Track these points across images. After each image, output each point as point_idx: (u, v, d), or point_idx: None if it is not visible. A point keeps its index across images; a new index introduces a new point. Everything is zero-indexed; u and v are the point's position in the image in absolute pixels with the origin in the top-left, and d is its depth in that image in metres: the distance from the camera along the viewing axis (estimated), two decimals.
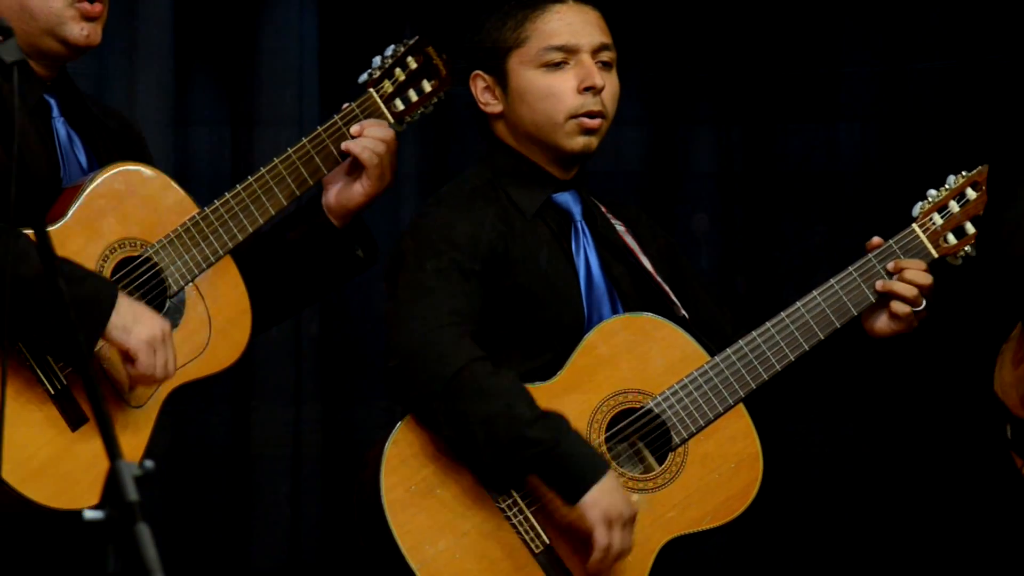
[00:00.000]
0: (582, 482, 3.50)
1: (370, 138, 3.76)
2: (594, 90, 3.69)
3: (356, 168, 3.76)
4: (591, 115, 3.71)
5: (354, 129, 3.77)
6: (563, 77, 3.70)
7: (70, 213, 3.60)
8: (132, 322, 3.50)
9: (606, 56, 3.72)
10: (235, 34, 5.10)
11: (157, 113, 4.71)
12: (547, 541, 3.55)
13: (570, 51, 3.70)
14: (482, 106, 3.75)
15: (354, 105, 3.80)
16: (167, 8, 4.93)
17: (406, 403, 3.60)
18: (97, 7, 3.68)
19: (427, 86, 3.83)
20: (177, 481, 4.90)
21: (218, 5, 5.07)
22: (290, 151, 3.76)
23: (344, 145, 3.77)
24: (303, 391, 5.10)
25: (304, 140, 3.76)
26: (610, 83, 3.73)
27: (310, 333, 5.09)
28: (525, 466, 3.51)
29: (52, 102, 3.74)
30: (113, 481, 2.44)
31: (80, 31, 3.65)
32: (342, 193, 3.78)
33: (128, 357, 3.52)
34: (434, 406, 3.52)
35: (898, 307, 3.73)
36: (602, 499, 3.50)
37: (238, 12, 5.09)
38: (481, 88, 3.74)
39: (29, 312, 3.33)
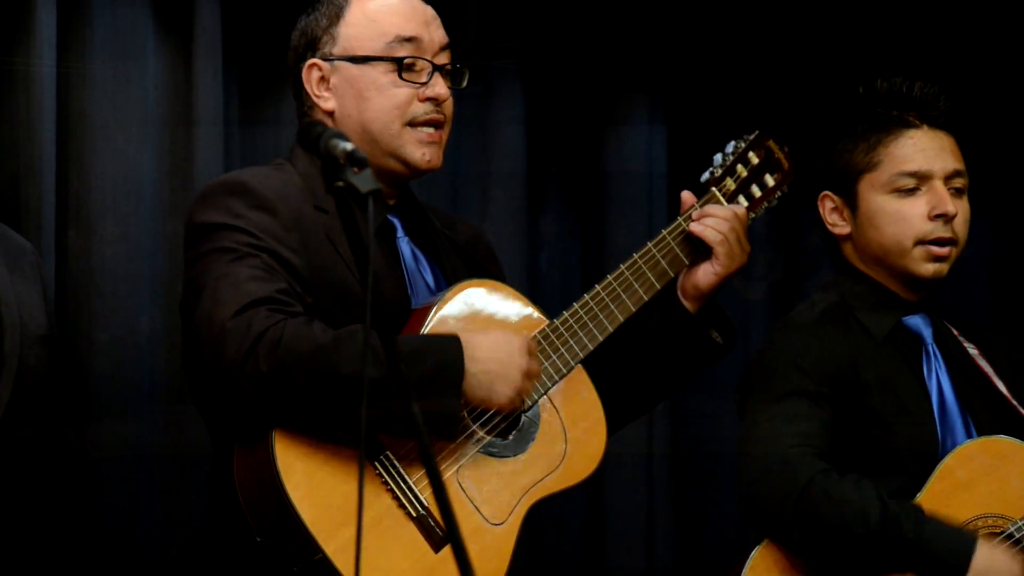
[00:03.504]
0: (956, 556, 3.48)
1: (713, 217, 3.74)
2: (945, 217, 3.68)
3: (705, 250, 3.74)
4: (940, 242, 3.70)
5: (695, 214, 3.76)
6: (914, 203, 3.70)
7: (424, 331, 3.61)
8: (487, 390, 3.51)
9: (959, 183, 3.71)
10: (586, 158, 5.13)
11: (511, 239, 4.82)
12: None
13: (923, 177, 3.70)
14: (830, 227, 3.75)
15: (696, 204, 3.80)
16: (520, 136, 5.00)
17: (759, 527, 3.59)
18: (438, 133, 3.73)
19: (770, 180, 3.81)
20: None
21: (567, 130, 5.11)
22: (635, 256, 3.74)
23: (689, 227, 3.75)
24: None
25: (649, 244, 3.76)
26: (962, 209, 3.71)
27: None
28: (888, 563, 3.50)
29: (396, 222, 3.79)
30: None
31: (421, 155, 3.69)
32: (694, 276, 3.75)
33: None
34: (788, 524, 3.51)
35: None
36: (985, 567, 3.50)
37: (586, 135, 5.15)
38: (829, 209, 3.75)
39: (386, 410, 3.32)
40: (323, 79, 3.74)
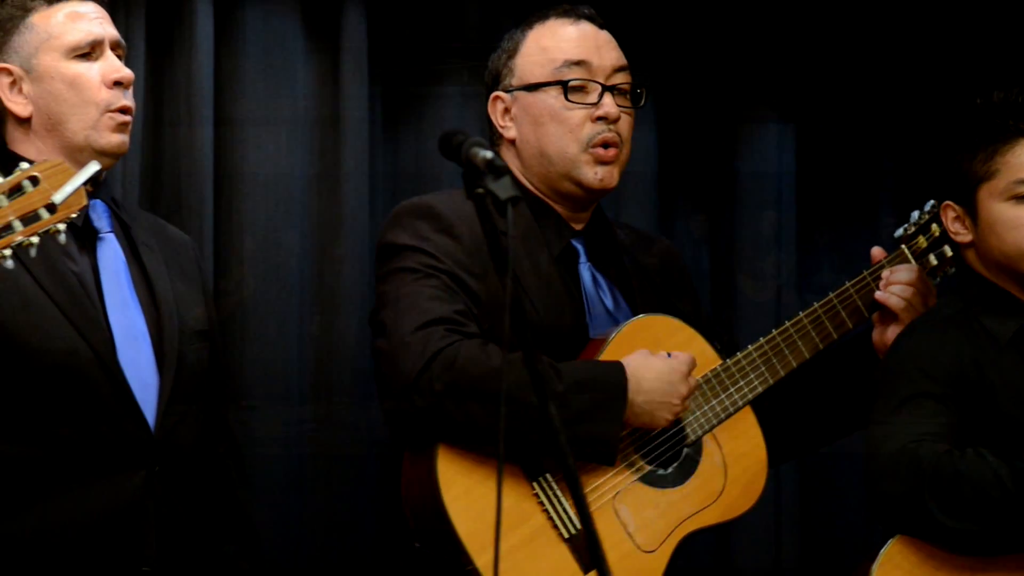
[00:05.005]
0: None
1: (897, 284, 3.82)
2: None
3: (891, 313, 3.83)
4: None
5: (884, 274, 3.83)
6: None
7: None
8: (650, 416, 3.61)
9: None
10: (716, 164, 5.14)
11: None
12: None
13: None
14: (953, 236, 3.77)
15: (884, 260, 3.87)
16: (651, 139, 5.01)
17: (893, 521, 3.60)
18: (611, 152, 3.79)
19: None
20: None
21: (697, 132, 5.12)
22: (816, 306, 3.83)
23: (876, 295, 3.82)
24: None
25: (831, 295, 3.84)
26: None
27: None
28: None
29: (580, 248, 3.84)
30: None
31: (594, 175, 3.77)
32: (885, 335, 3.82)
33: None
34: (925, 510, 3.51)
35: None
36: None
37: (718, 146, 5.15)
38: (952, 218, 3.76)
39: (534, 441, 3.40)
40: (506, 110, 3.84)
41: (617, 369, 3.61)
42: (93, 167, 3.23)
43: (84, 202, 3.17)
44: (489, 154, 2.81)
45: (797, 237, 5.07)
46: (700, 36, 5.06)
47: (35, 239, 3.13)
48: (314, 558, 4.64)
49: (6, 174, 3.36)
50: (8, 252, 3.12)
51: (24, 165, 3.15)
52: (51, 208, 3.14)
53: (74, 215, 3.16)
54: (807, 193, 5.09)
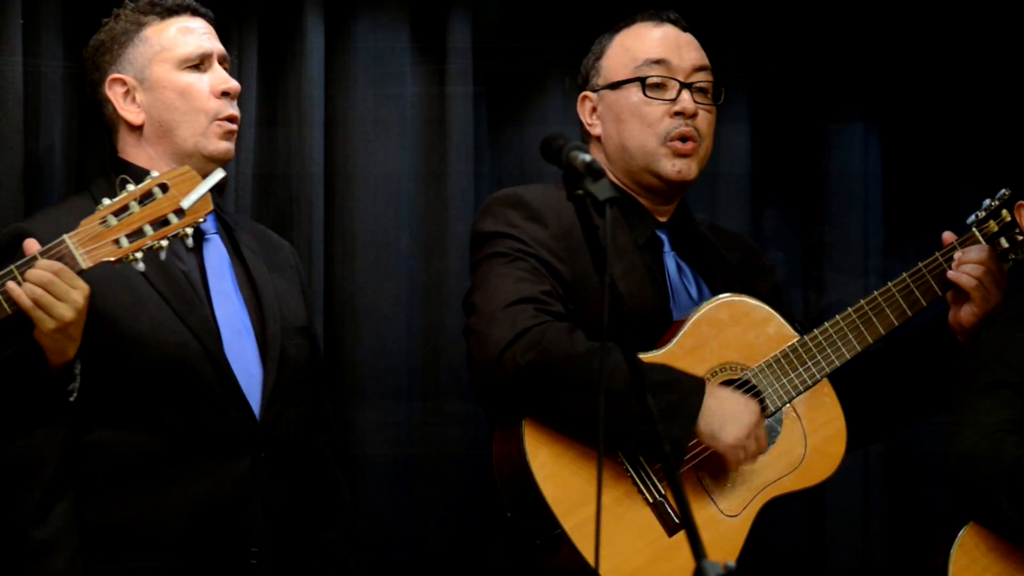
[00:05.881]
0: None
1: (969, 263, 3.87)
2: None
3: (962, 290, 3.89)
4: None
5: (956, 255, 3.89)
6: None
7: (675, 339, 3.78)
8: (719, 427, 3.67)
9: None
10: (806, 162, 5.14)
11: None
12: None
13: None
14: None
15: (956, 242, 3.93)
16: (744, 139, 5.03)
17: (968, 510, 3.67)
18: (689, 145, 3.90)
19: None
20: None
21: (789, 139, 5.12)
22: (890, 285, 3.91)
23: (948, 274, 3.88)
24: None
25: (904, 275, 3.91)
26: None
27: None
28: None
29: (664, 238, 3.96)
30: None
31: (672, 167, 3.89)
32: (959, 314, 3.89)
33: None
34: (999, 504, 3.59)
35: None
36: None
37: (807, 145, 5.14)
38: None
39: (621, 424, 3.47)
40: (592, 109, 3.96)
41: (697, 381, 3.70)
42: (218, 174, 3.36)
43: (210, 207, 3.32)
44: (588, 157, 2.88)
45: (884, 234, 5.07)
46: (791, 40, 5.07)
47: (164, 242, 3.29)
48: (423, 556, 4.68)
49: (112, 182, 3.54)
50: (140, 255, 3.28)
51: (154, 173, 3.30)
52: (179, 213, 3.29)
53: (201, 220, 3.31)
54: (892, 191, 5.08)
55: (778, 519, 3.93)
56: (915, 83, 5.07)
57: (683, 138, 3.89)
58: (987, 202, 3.93)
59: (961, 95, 5.03)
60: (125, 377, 3.66)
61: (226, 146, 3.83)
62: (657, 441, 2.81)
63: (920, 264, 3.91)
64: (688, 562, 3.29)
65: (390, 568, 4.57)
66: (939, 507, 4.83)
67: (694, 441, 3.67)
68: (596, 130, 3.96)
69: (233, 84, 3.84)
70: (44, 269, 3.28)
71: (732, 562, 2.55)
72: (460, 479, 4.65)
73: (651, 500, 3.70)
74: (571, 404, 3.63)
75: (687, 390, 3.68)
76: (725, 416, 3.69)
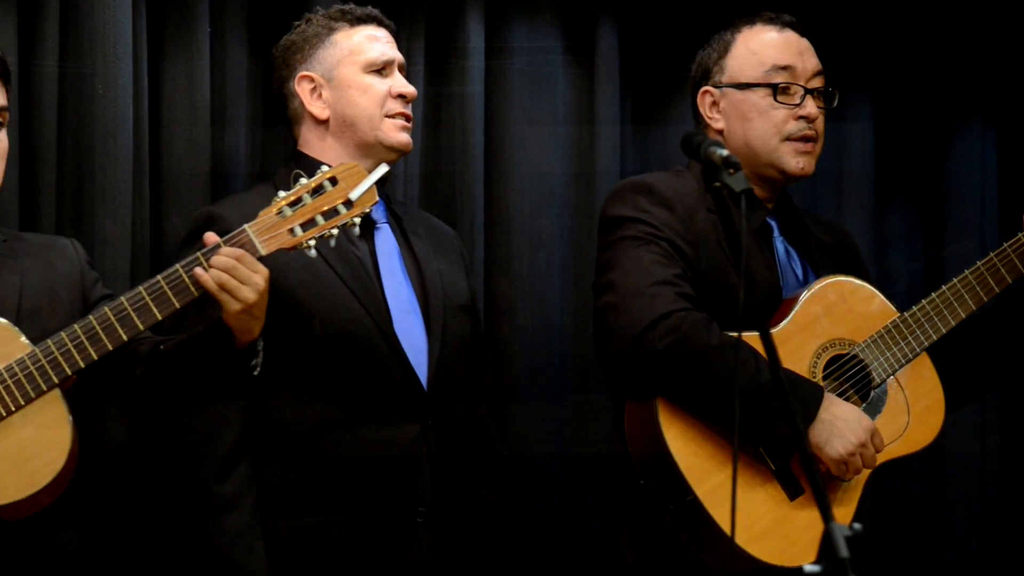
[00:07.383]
0: None
1: None
2: None
3: None
4: None
5: None
6: None
7: (789, 318, 3.85)
8: (825, 440, 3.74)
9: None
10: (927, 162, 5.22)
11: (860, 236, 4.75)
12: None
13: None
14: None
15: None
16: (869, 141, 5.12)
17: None
18: (810, 145, 4.01)
19: None
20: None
21: (911, 134, 5.20)
22: (979, 263, 4.00)
23: None
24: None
25: (991, 254, 4.00)
26: None
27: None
28: None
29: (773, 224, 4.05)
30: (827, 541, 2.63)
31: (796, 164, 4.01)
32: None
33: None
34: None
35: None
36: None
37: (929, 142, 5.22)
38: None
39: (751, 411, 3.63)
40: (714, 104, 4.01)
41: (816, 391, 3.78)
42: (383, 169, 3.56)
43: (376, 199, 3.51)
44: (725, 152, 3.01)
45: (1000, 232, 5.11)
46: (913, 44, 5.13)
47: (335, 231, 3.48)
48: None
49: (291, 173, 3.72)
50: (313, 242, 3.49)
51: (325, 168, 3.50)
52: (347, 204, 3.47)
53: (368, 210, 3.49)
54: (1008, 190, 5.13)
55: (899, 468, 4.01)
56: None
57: (805, 139, 3.98)
58: None
59: None
60: (303, 348, 3.80)
61: (405, 138, 4.01)
62: (763, 434, 3.13)
63: (1005, 245, 4.01)
64: (810, 523, 3.66)
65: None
66: None
67: None
68: (718, 124, 4.01)
69: (411, 89, 4.04)
70: (227, 256, 3.44)
71: (858, 525, 2.65)
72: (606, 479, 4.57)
73: (773, 468, 3.79)
74: (701, 395, 3.72)
75: (805, 400, 3.74)
76: (833, 431, 3.75)
